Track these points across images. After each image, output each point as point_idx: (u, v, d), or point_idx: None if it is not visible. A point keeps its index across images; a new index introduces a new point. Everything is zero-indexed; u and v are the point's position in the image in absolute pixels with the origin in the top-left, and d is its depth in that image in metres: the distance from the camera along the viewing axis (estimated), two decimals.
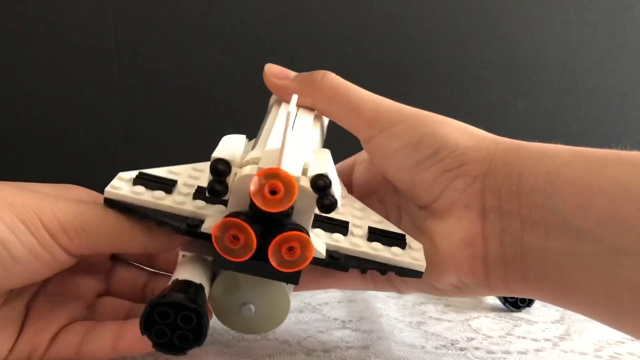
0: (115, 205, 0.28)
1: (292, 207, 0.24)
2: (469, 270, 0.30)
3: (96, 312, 0.33)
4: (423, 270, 0.29)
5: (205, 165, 0.31)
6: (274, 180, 0.23)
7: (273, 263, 0.24)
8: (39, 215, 0.27)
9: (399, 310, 0.43)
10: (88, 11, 0.63)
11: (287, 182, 0.23)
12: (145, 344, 0.27)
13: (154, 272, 0.36)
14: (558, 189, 0.28)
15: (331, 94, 0.33)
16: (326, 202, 0.25)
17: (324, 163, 0.27)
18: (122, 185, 0.28)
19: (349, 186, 0.38)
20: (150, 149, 0.66)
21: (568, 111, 0.72)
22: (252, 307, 0.29)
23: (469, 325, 0.41)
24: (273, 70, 0.35)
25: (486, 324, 0.41)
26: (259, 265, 0.26)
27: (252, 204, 0.24)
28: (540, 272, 0.28)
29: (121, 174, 0.29)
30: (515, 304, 0.45)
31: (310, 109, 0.35)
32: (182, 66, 0.65)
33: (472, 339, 0.38)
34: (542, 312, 0.45)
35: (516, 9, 0.70)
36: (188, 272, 0.28)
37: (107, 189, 0.28)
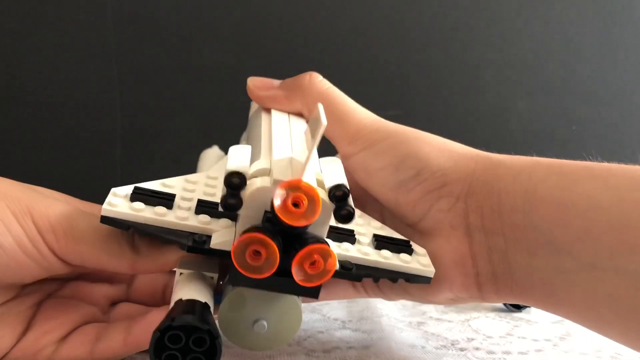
0: (114, 223, 0.26)
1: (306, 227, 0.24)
2: (462, 287, 0.31)
3: (112, 317, 0.32)
4: (432, 275, 0.29)
5: (197, 177, 0.30)
6: (297, 192, 0.23)
7: (297, 279, 0.24)
8: (31, 210, 0.27)
9: (399, 311, 0.43)
10: (88, 11, 0.63)
11: (310, 195, 0.23)
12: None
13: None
14: (536, 207, 0.28)
15: (320, 98, 0.33)
16: (344, 212, 0.24)
17: (339, 173, 0.26)
18: (119, 201, 0.27)
19: None
20: (150, 149, 0.66)
21: (568, 111, 0.72)
22: (265, 323, 0.28)
23: (469, 326, 0.41)
24: (256, 83, 0.35)
25: (486, 324, 0.41)
26: (279, 281, 0.25)
27: (270, 218, 0.24)
28: (527, 287, 0.29)
29: (115, 190, 0.27)
30: (516, 304, 0.45)
31: (300, 114, 0.34)
32: (182, 66, 0.65)
33: (473, 339, 0.38)
34: (542, 312, 0.45)
35: (516, 9, 0.70)
36: (190, 290, 0.26)
37: (105, 206, 0.26)
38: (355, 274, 0.28)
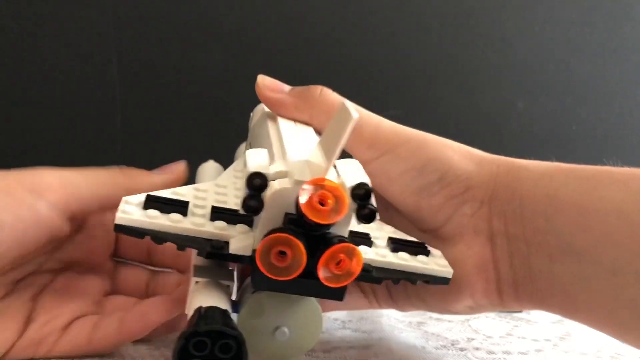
0: (129, 231, 0.26)
1: (331, 226, 0.24)
2: (483, 294, 0.31)
3: (105, 309, 0.33)
4: (450, 276, 0.29)
5: (207, 186, 0.30)
6: (322, 190, 0.22)
7: (323, 278, 0.23)
8: (23, 181, 0.28)
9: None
10: (88, 11, 0.63)
11: (336, 192, 0.23)
12: (144, 324, 0.30)
13: (155, 270, 0.36)
14: (557, 211, 0.28)
15: (330, 110, 0.32)
16: (366, 211, 0.24)
17: (359, 172, 0.26)
18: (133, 209, 0.26)
19: None
20: (150, 149, 0.66)
21: (568, 111, 0.72)
22: (287, 330, 0.27)
23: (469, 326, 0.41)
24: (266, 83, 0.34)
25: (486, 324, 0.41)
26: (303, 284, 0.24)
27: (292, 220, 0.24)
28: (547, 293, 0.29)
29: (126, 198, 0.27)
30: None
31: (307, 124, 0.34)
32: (182, 66, 0.65)
33: (473, 339, 0.38)
34: (542, 312, 0.45)
35: (516, 9, 0.70)
36: (209, 298, 0.26)
37: (118, 214, 0.26)
38: (375, 277, 0.27)
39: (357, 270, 0.24)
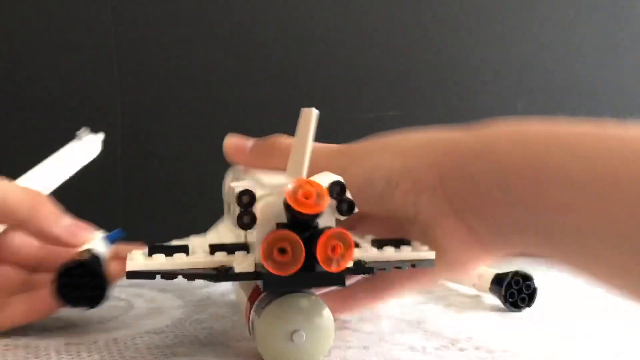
0: (140, 275, 0.29)
1: (318, 216, 0.26)
2: (466, 248, 0.33)
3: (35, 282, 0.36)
4: (433, 257, 0.32)
5: (200, 237, 0.34)
6: (306, 187, 0.25)
7: (322, 263, 0.26)
8: None
9: (399, 310, 0.43)
10: (88, 11, 0.63)
11: (318, 188, 0.26)
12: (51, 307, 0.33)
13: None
14: (512, 184, 0.30)
15: (284, 153, 0.34)
16: (345, 205, 0.27)
17: (333, 176, 0.29)
18: (139, 257, 0.29)
19: None
20: (150, 149, 0.66)
21: (568, 111, 0.72)
22: (304, 333, 0.29)
23: (470, 325, 0.41)
24: (230, 144, 0.38)
25: (487, 323, 0.41)
26: (307, 276, 0.27)
27: (284, 225, 0.26)
28: (540, 236, 0.30)
29: (129, 254, 0.30)
30: (515, 304, 0.45)
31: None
32: (182, 66, 0.65)
33: (472, 338, 0.38)
34: (542, 312, 0.45)
35: (516, 9, 0.70)
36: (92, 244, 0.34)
37: (128, 263, 0.29)
38: (367, 267, 0.30)
39: (351, 250, 0.26)
